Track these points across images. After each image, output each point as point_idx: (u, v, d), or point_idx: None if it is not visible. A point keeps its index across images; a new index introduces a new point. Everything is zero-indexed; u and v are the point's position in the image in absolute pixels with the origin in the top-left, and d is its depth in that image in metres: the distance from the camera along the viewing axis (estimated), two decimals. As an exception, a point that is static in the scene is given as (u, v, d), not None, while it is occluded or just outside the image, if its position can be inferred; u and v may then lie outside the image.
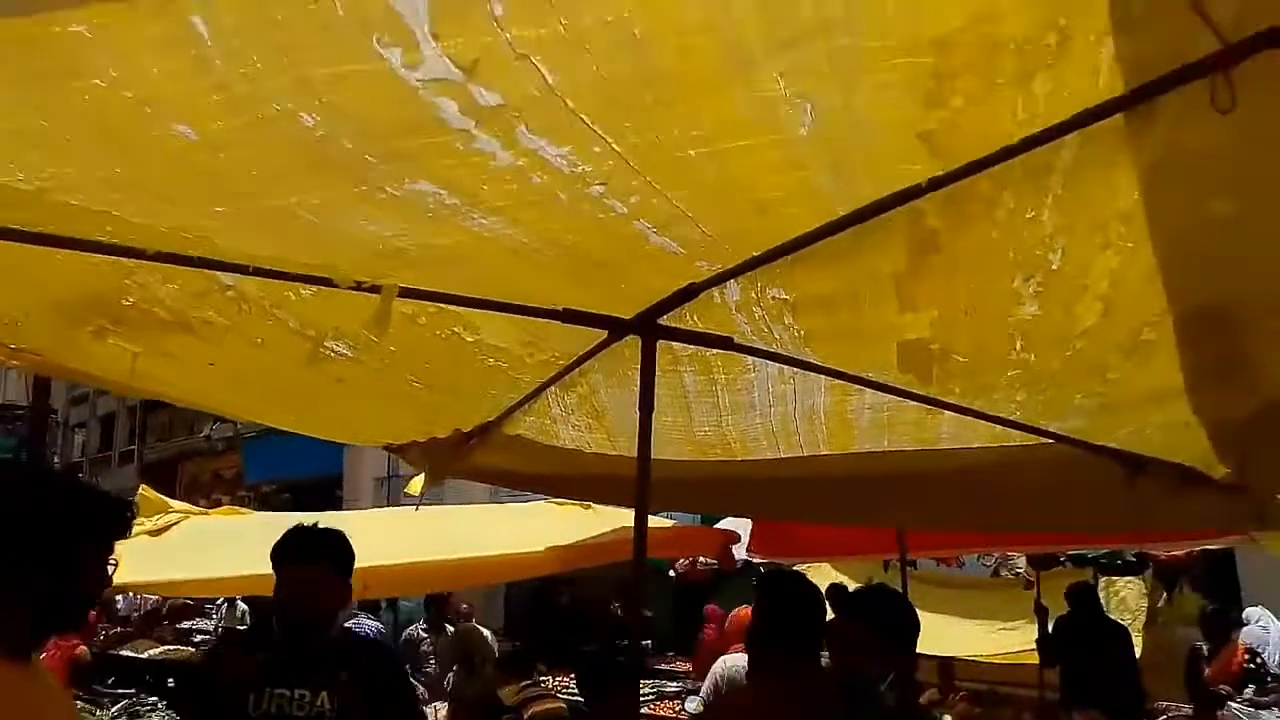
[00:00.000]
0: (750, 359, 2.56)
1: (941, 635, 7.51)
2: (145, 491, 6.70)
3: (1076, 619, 7.39)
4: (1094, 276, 1.75)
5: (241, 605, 12.02)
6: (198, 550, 5.69)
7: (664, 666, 10.22)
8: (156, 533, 5.93)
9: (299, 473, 19.01)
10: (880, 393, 2.70)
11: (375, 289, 1.87)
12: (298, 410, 2.86)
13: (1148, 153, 1.37)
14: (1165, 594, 9.71)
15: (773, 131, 1.39)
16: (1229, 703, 6.92)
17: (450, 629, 9.08)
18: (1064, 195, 1.52)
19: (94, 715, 7.24)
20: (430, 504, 6.88)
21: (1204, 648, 7.61)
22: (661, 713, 8.24)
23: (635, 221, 1.67)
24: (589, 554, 5.30)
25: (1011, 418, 2.69)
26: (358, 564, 4.72)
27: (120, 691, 8.40)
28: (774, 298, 2.09)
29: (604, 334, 2.44)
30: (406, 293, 1.93)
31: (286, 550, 2.81)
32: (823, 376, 2.73)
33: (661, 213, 1.63)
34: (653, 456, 2.79)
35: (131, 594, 15.39)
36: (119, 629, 12.77)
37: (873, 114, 1.36)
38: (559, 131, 1.37)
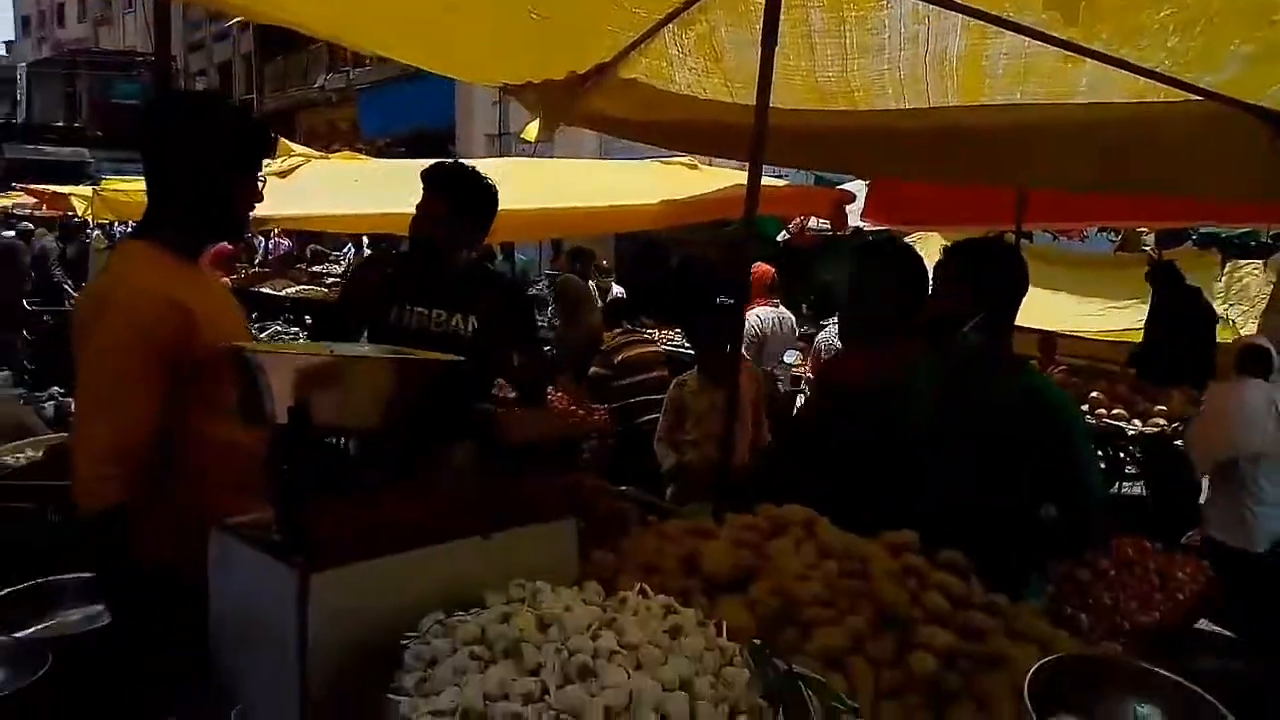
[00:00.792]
0: (883, -7, 2.40)
1: (1049, 309, 7.51)
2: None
3: (1156, 297, 7.20)
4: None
5: (369, 251, 12.76)
6: (324, 189, 5.99)
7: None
8: (284, 174, 6.22)
9: (412, 125, 19.23)
10: (1019, 36, 2.52)
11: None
12: (413, 38, 2.85)
13: None
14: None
15: None
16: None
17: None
18: None
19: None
20: (540, 158, 6.97)
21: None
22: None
23: None
24: (701, 208, 5.36)
25: (1159, 69, 2.50)
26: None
27: (262, 324, 9.21)
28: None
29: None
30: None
31: (423, 178, 2.93)
32: (960, 16, 2.55)
33: None
34: (771, 104, 2.73)
35: (272, 234, 16.52)
36: (257, 269, 13.74)
37: None
38: None
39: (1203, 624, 3.70)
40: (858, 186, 6.61)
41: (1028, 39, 2.51)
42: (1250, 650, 3.85)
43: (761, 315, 6.45)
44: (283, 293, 11.25)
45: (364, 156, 8.62)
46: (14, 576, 2.45)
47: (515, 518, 1.70)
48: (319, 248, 16.14)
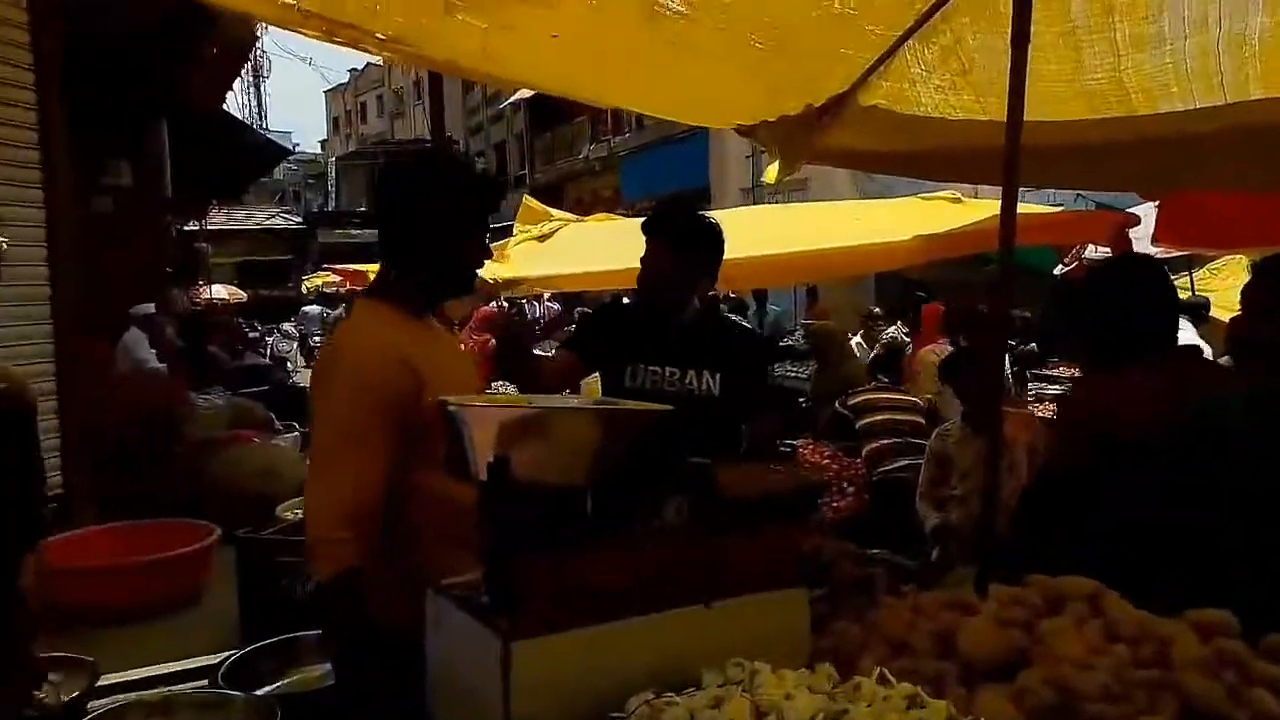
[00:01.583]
0: (1161, -30, 2.05)
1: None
2: (529, 201, 7.30)
3: None
4: None
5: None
6: (578, 250, 6.17)
7: (1046, 371, 9.78)
8: (542, 238, 6.48)
9: (669, 187, 19.78)
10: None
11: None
12: (640, 86, 2.81)
13: None
14: None
15: None
16: None
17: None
18: None
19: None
20: (795, 200, 6.82)
21: None
22: (1041, 413, 7.97)
23: None
24: (958, 242, 4.98)
25: None
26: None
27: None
28: None
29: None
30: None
31: (644, 229, 2.86)
32: (1264, -14, 2.15)
33: None
34: (1032, 118, 2.43)
35: (543, 298, 17.49)
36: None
37: None
38: None
39: None
40: (1146, 209, 5.91)
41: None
42: None
43: (937, 352, 6.05)
44: (550, 354, 11.71)
45: (617, 216, 8.86)
46: (281, 629, 2.58)
47: (738, 585, 1.53)
48: (585, 309, 16.84)
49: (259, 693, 1.92)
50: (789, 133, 3.47)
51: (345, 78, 53.83)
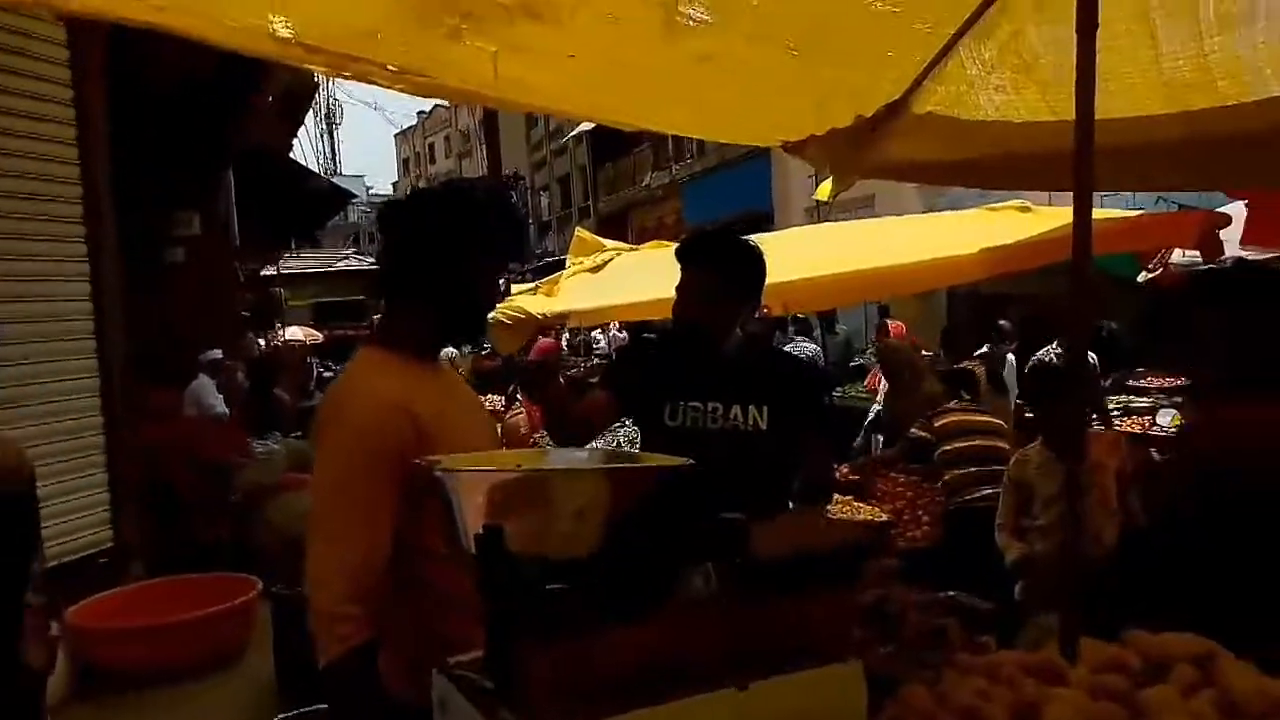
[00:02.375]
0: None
1: None
2: (581, 233, 7.19)
3: None
4: None
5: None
6: (631, 279, 6.01)
7: (1132, 382, 9.32)
8: (595, 269, 6.34)
9: (732, 210, 19.60)
10: None
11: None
12: (670, 105, 2.63)
13: None
14: None
15: None
16: None
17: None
18: None
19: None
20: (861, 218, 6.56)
21: None
22: (1129, 428, 7.53)
23: None
24: (1027, 253, 4.67)
25: None
26: (778, 280, 4.59)
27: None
28: None
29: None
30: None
31: (682, 254, 2.68)
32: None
33: None
34: (1105, 115, 2.18)
35: (609, 328, 17.38)
36: (595, 362, 14.37)
37: None
38: None
39: None
40: (1235, 207, 5.52)
41: None
42: None
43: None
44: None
45: (669, 244, 8.70)
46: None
47: (779, 662, 1.32)
48: (650, 336, 16.66)
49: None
50: (840, 147, 3.24)
51: (414, 120, 55.15)
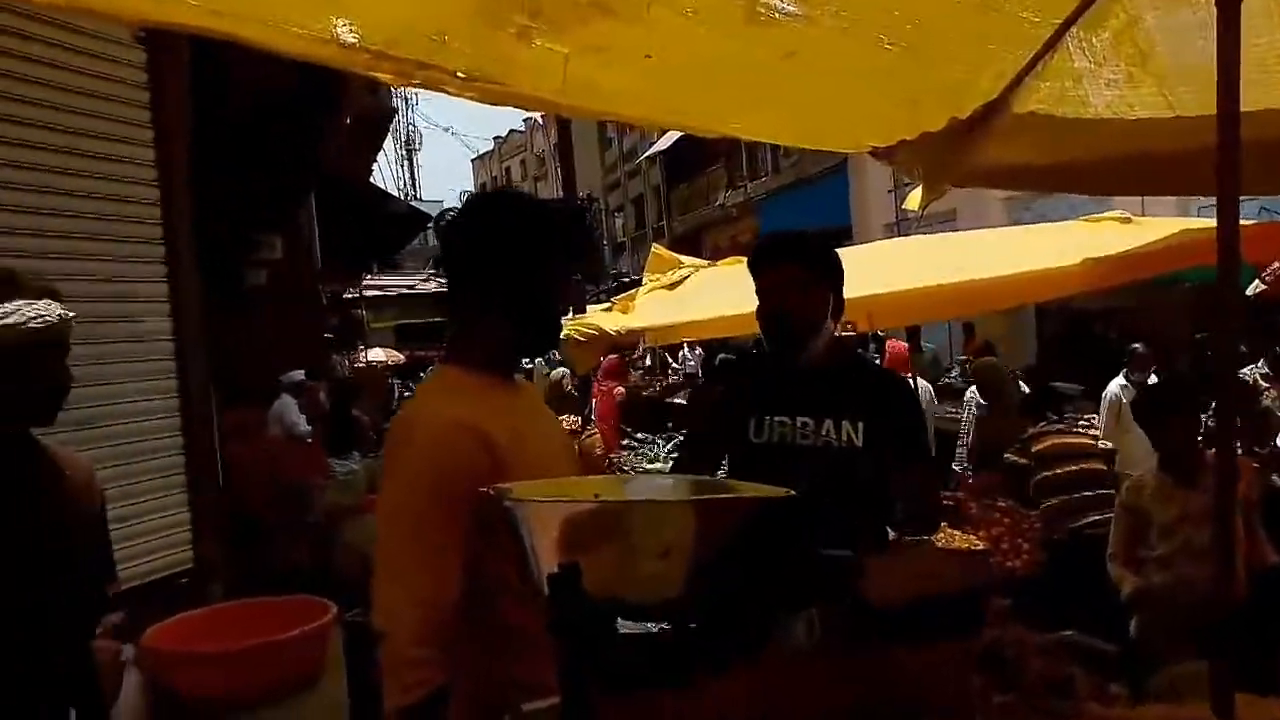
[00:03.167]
0: None
1: None
2: (657, 250, 7.08)
3: None
4: None
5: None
6: (708, 295, 5.87)
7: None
8: (672, 286, 6.22)
9: (810, 227, 19.35)
10: None
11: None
12: (754, 107, 2.48)
13: None
14: None
15: None
16: None
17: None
18: None
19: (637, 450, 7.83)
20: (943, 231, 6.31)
21: None
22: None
23: None
24: (1137, 263, 4.39)
25: None
26: (861, 293, 4.39)
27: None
28: None
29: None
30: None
31: (754, 260, 2.54)
32: None
33: None
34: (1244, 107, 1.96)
35: (684, 347, 17.24)
36: (672, 380, 14.23)
37: None
38: None
39: None
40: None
41: None
42: None
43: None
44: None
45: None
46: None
47: (892, 719, 1.15)
48: (727, 356, 16.46)
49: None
50: (933, 152, 3.04)
51: (490, 145, 56.05)
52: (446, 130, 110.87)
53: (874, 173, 16.17)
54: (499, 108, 2.12)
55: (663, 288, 6.22)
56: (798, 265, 2.46)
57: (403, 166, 34.47)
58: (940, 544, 4.41)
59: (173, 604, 3.64)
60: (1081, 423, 5.58)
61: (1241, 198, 2.07)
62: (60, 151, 3.65)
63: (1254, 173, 2.04)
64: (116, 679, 2.08)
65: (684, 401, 11.30)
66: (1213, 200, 2.04)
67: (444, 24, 1.88)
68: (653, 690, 1.11)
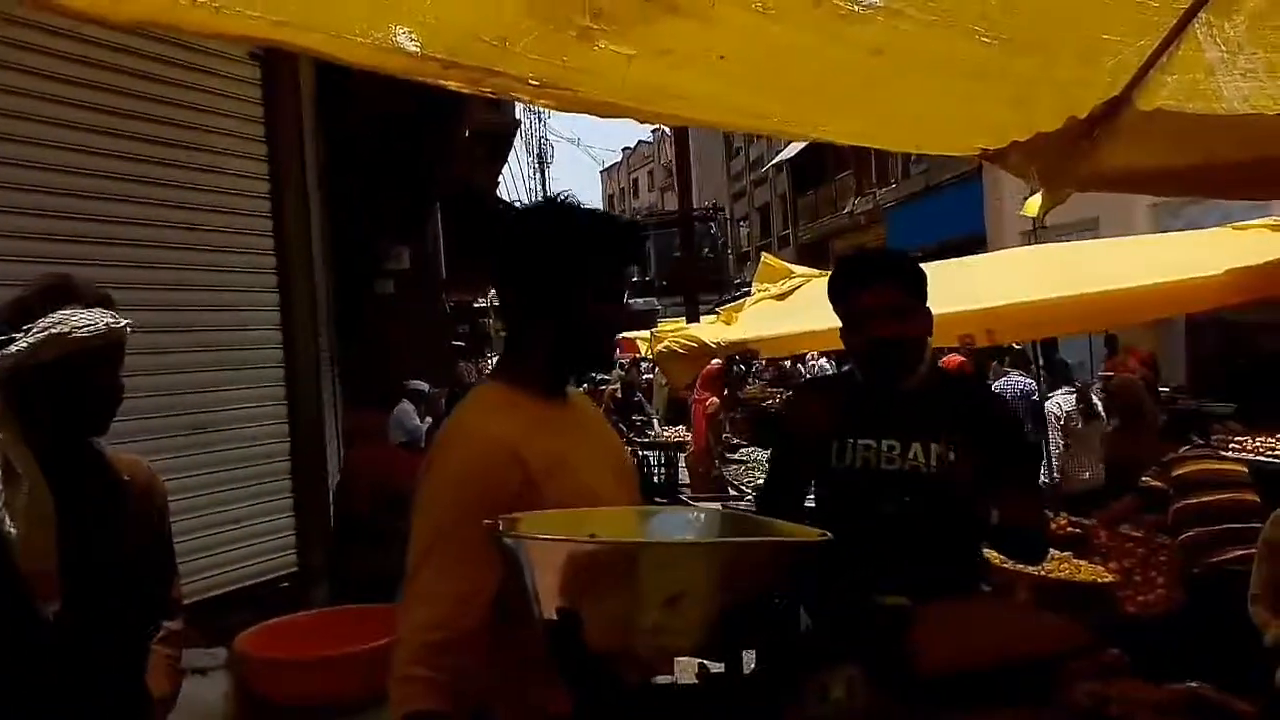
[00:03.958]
0: None
1: None
2: (768, 259, 6.92)
3: None
4: None
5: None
6: (819, 307, 5.67)
7: None
8: (781, 296, 6.06)
9: (941, 236, 18.70)
10: None
11: None
12: (840, 109, 2.33)
13: None
14: None
15: None
16: None
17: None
18: None
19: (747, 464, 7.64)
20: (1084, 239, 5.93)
21: None
22: None
23: None
24: (1286, 274, 3.99)
25: None
26: (978, 306, 4.14)
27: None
28: None
29: None
30: None
31: (838, 282, 2.39)
32: None
33: None
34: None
35: (806, 360, 16.89)
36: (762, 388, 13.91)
37: None
38: None
39: None
40: None
41: None
42: None
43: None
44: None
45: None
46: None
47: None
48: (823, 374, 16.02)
49: None
50: (1049, 154, 2.82)
51: (618, 157, 56.74)
52: (573, 142, 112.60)
53: (1010, 179, 15.47)
54: (612, 119, 2.03)
55: (772, 298, 6.06)
56: (898, 287, 2.29)
57: (535, 179, 35.23)
58: (1064, 575, 4.11)
59: (275, 607, 3.72)
60: (1232, 446, 5.14)
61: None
62: (178, 166, 3.81)
63: None
64: (168, 684, 2.09)
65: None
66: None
67: (504, 27, 1.82)
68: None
